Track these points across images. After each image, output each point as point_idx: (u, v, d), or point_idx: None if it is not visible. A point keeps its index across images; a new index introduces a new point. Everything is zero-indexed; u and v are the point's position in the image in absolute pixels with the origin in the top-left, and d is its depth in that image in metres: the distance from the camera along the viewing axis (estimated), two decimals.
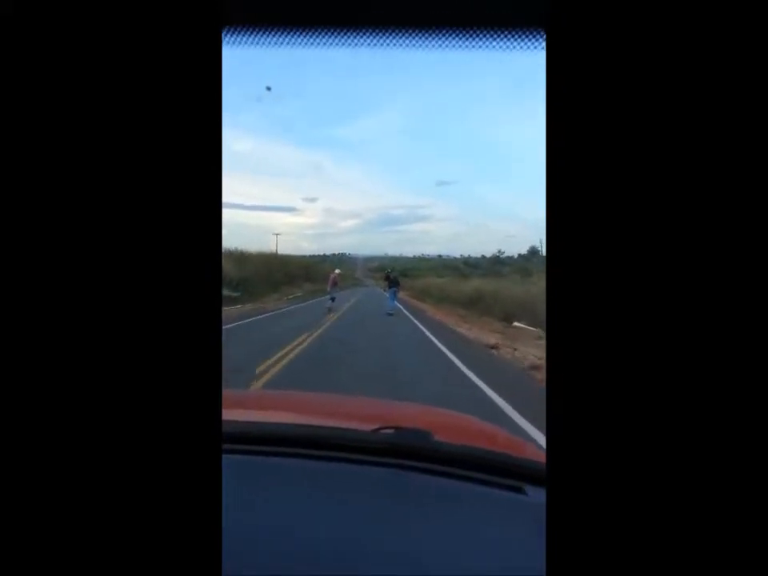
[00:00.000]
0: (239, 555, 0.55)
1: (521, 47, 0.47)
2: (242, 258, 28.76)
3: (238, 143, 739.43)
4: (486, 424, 1.47)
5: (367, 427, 0.94)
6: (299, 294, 32.28)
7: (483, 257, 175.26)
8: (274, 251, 51.25)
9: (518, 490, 0.77)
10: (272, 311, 16.60)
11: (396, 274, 16.29)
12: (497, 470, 0.80)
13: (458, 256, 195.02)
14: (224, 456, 0.72)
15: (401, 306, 18.60)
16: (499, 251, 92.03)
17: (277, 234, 54.02)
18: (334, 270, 16.25)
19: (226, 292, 18.07)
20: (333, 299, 14.30)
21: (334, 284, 14.25)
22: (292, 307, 20.35)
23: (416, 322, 14.26)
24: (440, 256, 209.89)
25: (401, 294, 18.74)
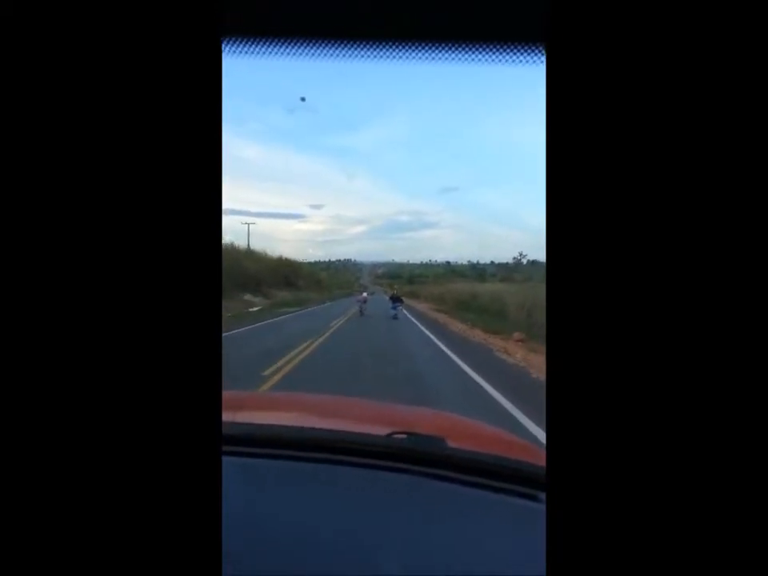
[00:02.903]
0: (245, 557, 0.55)
1: (521, 61, 0.47)
2: None
3: (244, 150, 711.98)
4: (500, 430, 1.37)
5: (379, 432, 0.90)
6: (251, 310, 18.42)
7: (492, 263, 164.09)
8: (266, 251, 37.73)
9: (532, 498, 0.73)
10: None
11: (399, 294, 19.08)
12: (510, 477, 0.77)
13: (465, 263, 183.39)
14: (233, 459, 0.73)
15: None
16: (520, 254, 77.41)
17: (248, 224, 38.46)
18: (362, 292, 21.44)
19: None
20: (362, 311, 18.06)
21: (364, 302, 18.48)
22: None
23: None
24: (448, 262, 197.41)
25: (431, 315, 18.89)
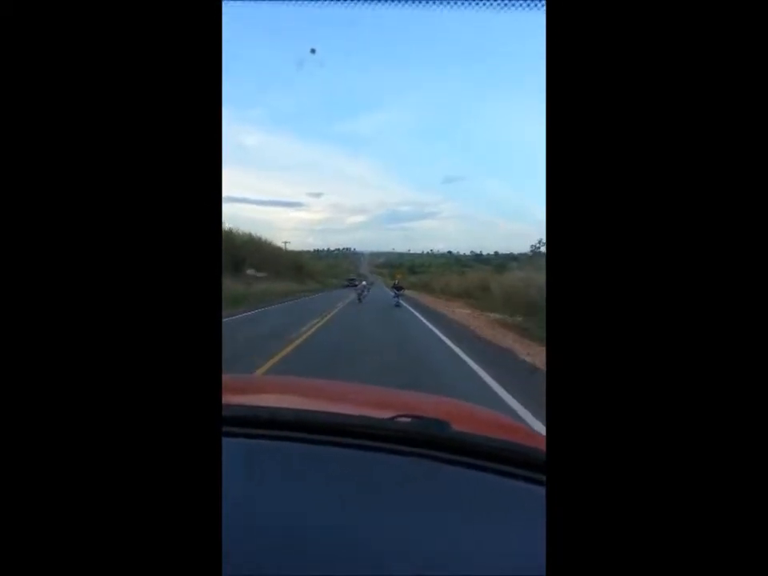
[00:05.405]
0: (247, 541, 0.53)
1: (521, 5, 0.47)
2: None
3: (244, 137, 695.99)
4: (506, 416, 1.35)
5: (384, 415, 0.87)
6: None
7: (497, 253, 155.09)
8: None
9: (539, 483, 0.72)
10: None
11: (402, 283, 19.88)
12: (517, 461, 0.75)
13: (468, 253, 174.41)
14: (235, 440, 0.72)
15: None
16: (540, 241, 66.52)
17: None
18: (362, 281, 23.07)
19: None
20: (360, 297, 19.59)
21: (362, 290, 20.26)
22: None
23: None
24: (450, 252, 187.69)
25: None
